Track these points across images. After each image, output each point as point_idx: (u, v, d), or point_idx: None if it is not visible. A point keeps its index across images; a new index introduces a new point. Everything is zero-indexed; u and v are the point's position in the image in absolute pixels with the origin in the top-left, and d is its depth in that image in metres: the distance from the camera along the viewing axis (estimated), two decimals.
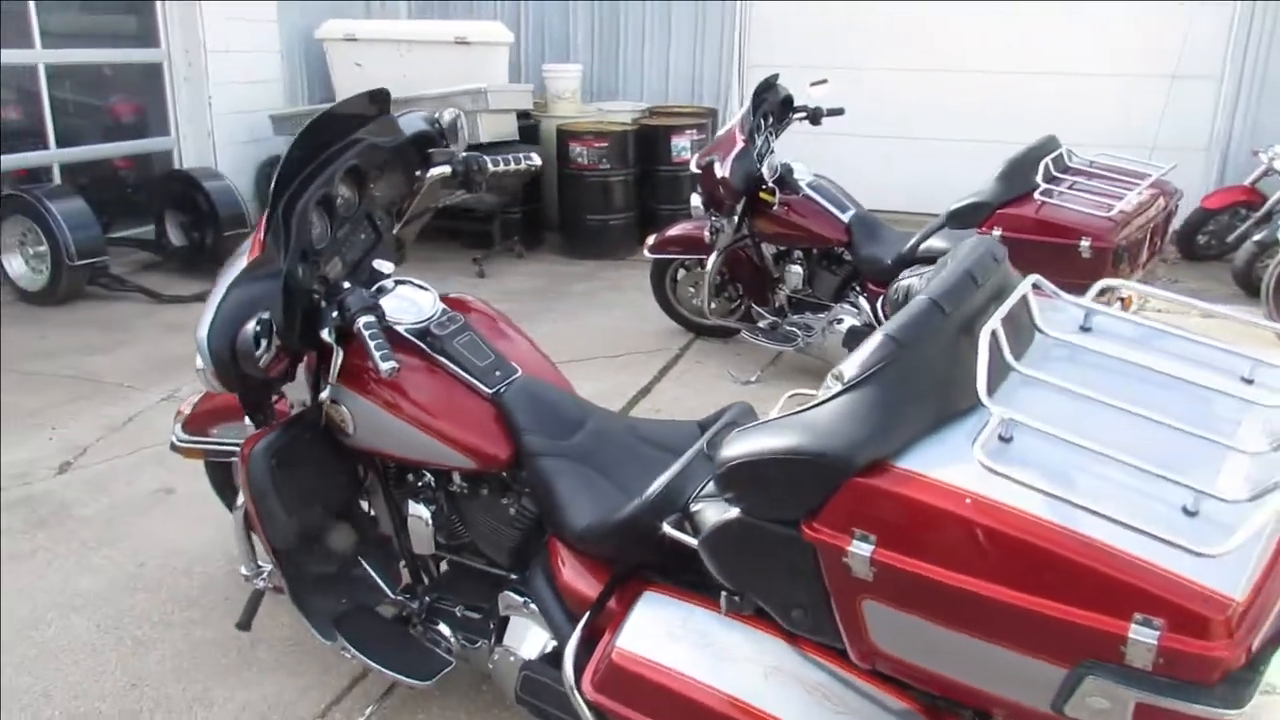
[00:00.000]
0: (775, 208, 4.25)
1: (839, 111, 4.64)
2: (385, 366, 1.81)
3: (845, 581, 1.28)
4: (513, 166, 2.39)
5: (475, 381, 2.02)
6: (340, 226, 2.14)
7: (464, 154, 2.32)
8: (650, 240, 4.93)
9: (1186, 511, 1.13)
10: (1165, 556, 1.08)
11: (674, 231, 4.84)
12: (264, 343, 1.85)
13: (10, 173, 5.70)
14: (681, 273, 5.01)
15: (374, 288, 2.11)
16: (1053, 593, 1.13)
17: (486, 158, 2.35)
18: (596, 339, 5.03)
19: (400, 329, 2.05)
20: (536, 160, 2.44)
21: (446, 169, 2.30)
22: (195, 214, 5.90)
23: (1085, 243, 3.29)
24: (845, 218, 4.19)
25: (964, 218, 3.63)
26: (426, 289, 2.16)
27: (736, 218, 4.42)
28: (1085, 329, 1.48)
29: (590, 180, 6.58)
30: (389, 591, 2.28)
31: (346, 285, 1.98)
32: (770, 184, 4.21)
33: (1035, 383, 1.31)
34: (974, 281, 1.37)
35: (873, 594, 1.26)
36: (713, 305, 4.63)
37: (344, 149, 2.11)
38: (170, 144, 6.71)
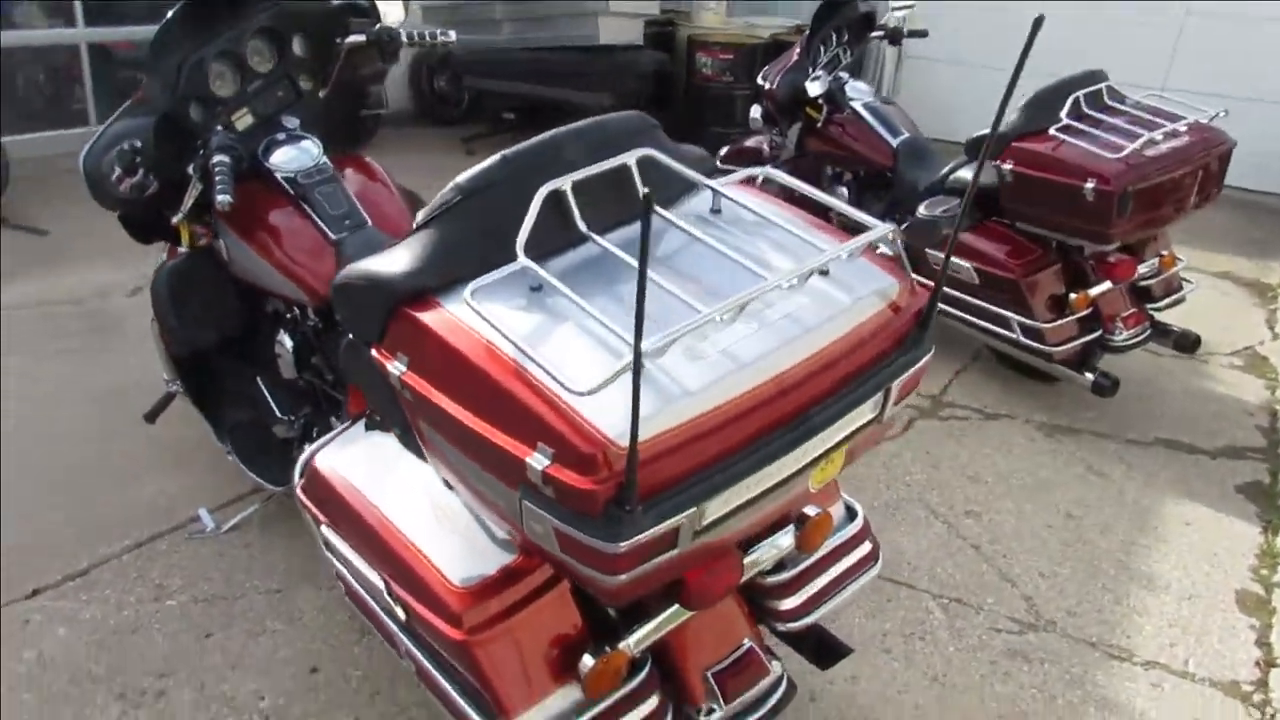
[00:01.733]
0: (820, 124, 4.16)
1: (922, 33, 4.44)
2: (219, 199, 2.07)
3: (405, 403, 1.42)
4: (426, 41, 2.57)
5: (324, 226, 2.24)
6: (252, 82, 2.40)
7: (378, 26, 2.51)
8: (723, 151, 4.93)
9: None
10: (570, 397, 1.15)
11: (749, 144, 4.83)
12: (139, 171, 2.17)
13: None
14: None
15: (268, 138, 2.36)
16: (499, 419, 1.22)
17: (401, 31, 2.53)
18: None
19: (278, 175, 2.30)
20: (451, 36, 2.60)
21: (361, 37, 2.50)
22: None
23: (1090, 185, 3.03)
24: (894, 141, 4.04)
25: (978, 148, 3.43)
26: (316, 145, 2.39)
27: (796, 134, 4.38)
28: (715, 210, 1.50)
29: (715, 92, 6.57)
30: (277, 412, 2.59)
31: (218, 129, 2.25)
32: (818, 100, 4.12)
33: (625, 245, 1.36)
34: (555, 145, 1.43)
35: (419, 413, 1.40)
36: None
37: (260, 11, 2.36)
38: None
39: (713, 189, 1.47)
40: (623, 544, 1.15)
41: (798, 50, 4.20)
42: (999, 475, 3.15)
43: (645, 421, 1.14)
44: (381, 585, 1.59)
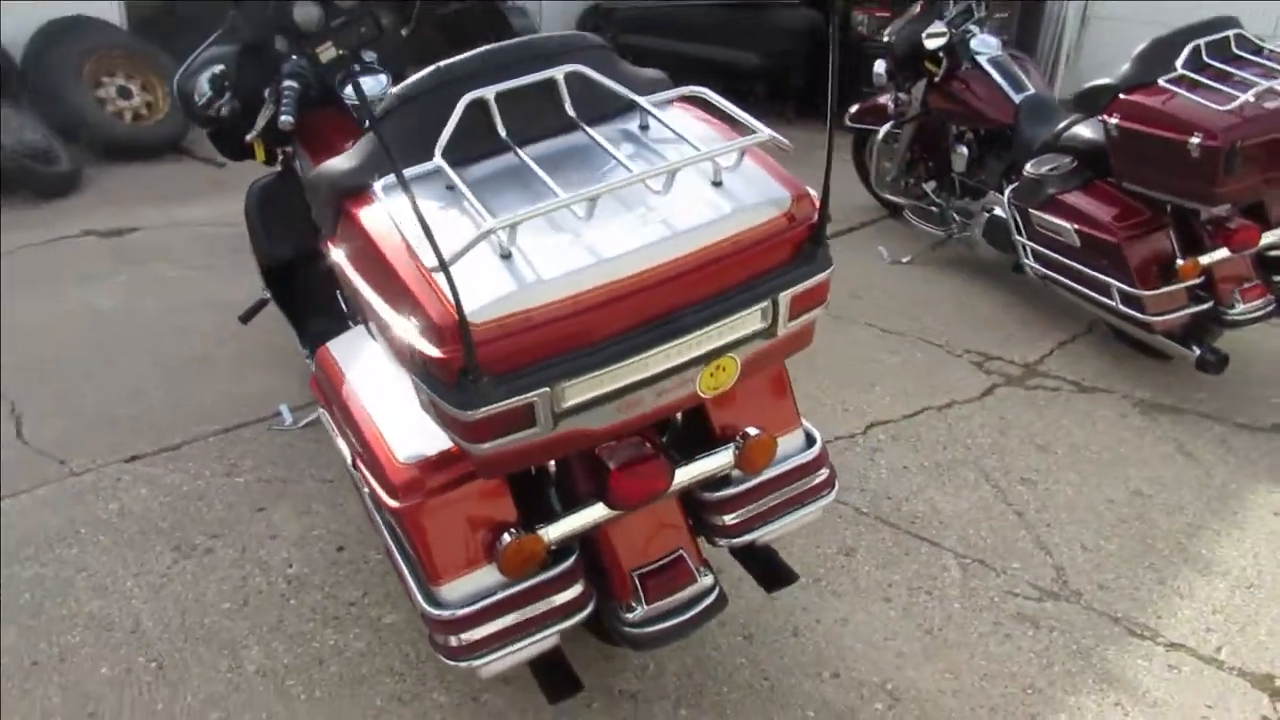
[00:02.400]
0: (939, 79, 4.02)
1: None
2: (281, 119, 2.30)
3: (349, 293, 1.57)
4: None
5: None
6: (336, 17, 2.62)
7: None
8: (852, 109, 4.85)
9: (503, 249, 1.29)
10: (431, 274, 1.26)
11: (882, 100, 4.72)
12: (226, 94, 2.43)
13: None
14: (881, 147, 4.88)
15: (344, 70, 2.58)
16: (391, 297, 1.35)
17: None
18: None
19: (347, 102, 2.52)
20: None
21: None
22: None
23: (1195, 139, 2.80)
24: (1017, 98, 3.85)
25: (1087, 102, 3.22)
26: (387, 76, 2.59)
27: (921, 90, 4.25)
28: (644, 127, 1.55)
29: (872, 52, 6.37)
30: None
31: (294, 58, 2.48)
32: (938, 54, 3.98)
33: (544, 155, 1.46)
34: (488, 59, 1.51)
35: (357, 298, 1.54)
36: (888, 180, 4.54)
37: None
38: None
39: (640, 105, 1.52)
40: (476, 413, 1.26)
41: (922, 1, 4.07)
42: (1071, 447, 3.00)
43: (499, 301, 1.26)
44: (349, 459, 1.77)
